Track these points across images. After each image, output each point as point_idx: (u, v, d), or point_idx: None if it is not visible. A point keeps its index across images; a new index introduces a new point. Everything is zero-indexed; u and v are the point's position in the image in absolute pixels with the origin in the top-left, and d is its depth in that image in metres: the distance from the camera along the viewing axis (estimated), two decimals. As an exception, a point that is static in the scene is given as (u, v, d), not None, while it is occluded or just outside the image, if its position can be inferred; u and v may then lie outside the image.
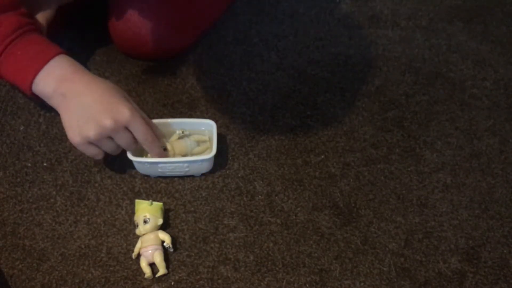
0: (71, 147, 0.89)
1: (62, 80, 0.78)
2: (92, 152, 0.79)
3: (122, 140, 0.79)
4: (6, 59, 0.78)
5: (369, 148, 0.90)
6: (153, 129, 0.82)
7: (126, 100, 0.79)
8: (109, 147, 0.80)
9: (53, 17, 0.90)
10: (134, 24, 0.94)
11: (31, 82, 0.78)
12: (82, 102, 0.77)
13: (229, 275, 0.76)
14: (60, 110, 0.79)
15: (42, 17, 0.87)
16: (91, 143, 0.78)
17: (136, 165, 0.84)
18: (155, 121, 0.88)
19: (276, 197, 0.84)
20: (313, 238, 0.79)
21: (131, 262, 0.77)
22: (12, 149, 0.89)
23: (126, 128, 0.78)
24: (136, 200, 0.80)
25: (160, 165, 0.82)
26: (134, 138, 0.79)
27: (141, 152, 0.85)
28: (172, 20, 0.96)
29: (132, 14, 0.94)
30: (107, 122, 0.76)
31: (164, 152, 0.83)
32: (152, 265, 0.76)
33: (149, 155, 0.83)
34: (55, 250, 0.78)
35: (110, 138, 0.78)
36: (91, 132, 0.76)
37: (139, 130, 0.78)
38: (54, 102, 0.79)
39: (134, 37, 0.96)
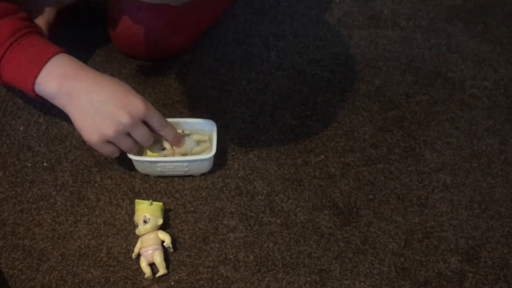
0: (71, 147, 0.89)
1: (65, 78, 0.77)
2: (110, 150, 0.79)
3: (140, 134, 0.78)
4: (7, 63, 0.78)
5: (369, 148, 0.90)
6: None
7: (135, 92, 0.79)
8: (127, 144, 0.79)
9: (53, 20, 0.89)
10: (132, 24, 0.94)
11: (33, 84, 0.77)
12: (93, 100, 0.76)
13: (229, 275, 0.76)
14: (69, 110, 0.78)
15: (42, 20, 0.87)
16: (108, 141, 0.77)
17: (135, 164, 0.84)
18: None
19: (276, 197, 0.84)
20: (313, 238, 0.79)
21: (131, 262, 0.77)
22: (12, 149, 0.89)
23: (142, 122, 0.78)
24: (136, 200, 0.80)
25: (159, 164, 0.82)
26: (150, 132, 0.79)
27: (139, 151, 0.85)
28: (171, 20, 0.96)
29: (130, 14, 0.94)
30: (125, 118, 0.75)
31: (181, 136, 0.84)
32: (152, 265, 0.76)
33: (165, 144, 0.83)
34: (55, 250, 0.78)
35: (128, 134, 0.78)
36: (110, 130, 0.76)
37: (155, 119, 0.79)
38: (59, 102, 0.78)
39: (132, 37, 0.95)
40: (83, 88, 0.77)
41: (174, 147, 0.84)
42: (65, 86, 0.77)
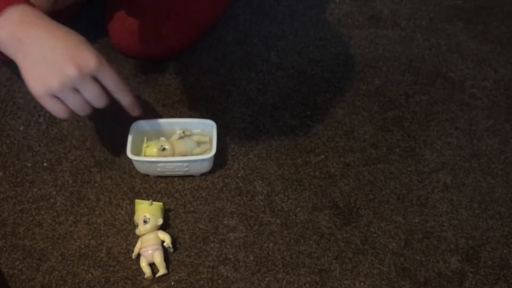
0: (71, 147, 0.89)
1: (21, 24, 0.70)
2: (56, 108, 0.72)
3: (89, 92, 0.72)
4: None
5: (369, 148, 0.90)
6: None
7: (92, 47, 0.73)
8: (75, 102, 0.72)
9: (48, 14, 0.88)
10: (131, 23, 0.94)
11: None
12: (43, 49, 0.70)
13: (229, 275, 0.76)
14: (17, 57, 0.71)
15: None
16: (55, 96, 0.71)
17: (135, 164, 0.84)
18: (155, 121, 0.88)
19: (276, 197, 0.84)
20: (313, 238, 0.79)
21: (131, 262, 0.77)
22: (12, 149, 0.89)
23: (93, 79, 0.72)
24: (136, 200, 0.80)
25: (159, 164, 0.82)
26: (102, 90, 0.73)
27: (139, 151, 0.85)
28: (171, 20, 0.96)
29: (129, 14, 0.94)
30: (72, 70, 0.69)
31: (135, 100, 0.78)
32: (152, 265, 0.76)
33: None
34: (55, 250, 0.78)
35: (77, 91, 0.71)
36: (54, 81, 0.69)
37: (109, 78, 0.73)
38: (10, 49, 0.71)
39: (131, 37, 0.95)
40: (35, 35, 0.70)
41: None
42: (17, 31, 0.70)
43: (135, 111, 0.79)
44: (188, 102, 0.95)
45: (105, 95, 0.74)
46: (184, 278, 0.76)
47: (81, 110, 0.73)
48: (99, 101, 0.73)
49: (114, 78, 0.73)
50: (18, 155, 0.88)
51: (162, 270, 0.75)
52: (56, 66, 0.69)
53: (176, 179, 0.86)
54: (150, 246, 0.76)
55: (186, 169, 0.83)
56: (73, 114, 0.74)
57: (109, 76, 0.73)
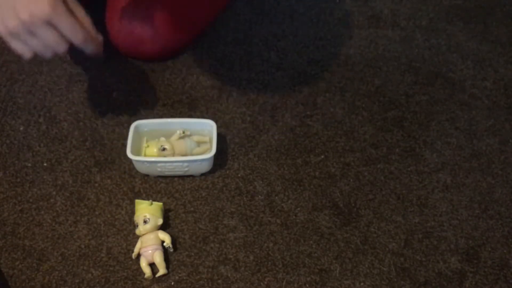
0: (71, 147, 0.89)
1: None
2: (19, 47, 0.74)
3: (44, 37, 0.72)
4: None
5: (369, 148, 0.90)
6: (86, 24, 0.76)
7: None
8: (33, 44, 0.73)
9: None
10: (130, 23, 0.94)
11: None
12: None
13: (229, 275, 0.76)
14: None
15: None
16: (16, 37, 0.72)
17: (135, 164, 0.84)
18: (155, 121, 0.88)
19: (276, 197, 0.84)
20: (313, 238, 0.79)
21: (131, 262, 0.77)
22: (12, 149, 0.89)
23: (49, 25, 0.71)
24: (136, 200, 0.80)
25: (159, 164, 0.82)
26: (58, 36, 0.73)
27: (139, 151, 0.85)
28: (170, 20, 0.96)
29: (128, 14, 0.94)
30: (24, 15, 0.69)
31: (100, 45, 0.78)
32: (152, 265, 0.76)
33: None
34: (55, 250, 0.78)
35: (34, 34, 0.72)
36: (11, 24, 0.70)
37: (64, 25, 0.72)
38: None
39: (131, 37, 0.95)
40: None
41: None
42: None
43: (99, 54, 0.79)
44: (188, 102, 0.95)
45: (63, 40, 0.73)
46: (184, 278, 0.76)
47: (42, 51, 0.74)
48: (56, 46, 0.74)
49: (69, 25, 0.73)
50: (18, 155, 0.88)
51: (162, 270, 0.75)
52: (12, 9, 0.70)
53: (176, 179, 0.86)
54: (150, 246, 0.76)
55: (186, 169, 0.83)
56: (37, 55, 0.75)
57: (63, 23, 0.72)
